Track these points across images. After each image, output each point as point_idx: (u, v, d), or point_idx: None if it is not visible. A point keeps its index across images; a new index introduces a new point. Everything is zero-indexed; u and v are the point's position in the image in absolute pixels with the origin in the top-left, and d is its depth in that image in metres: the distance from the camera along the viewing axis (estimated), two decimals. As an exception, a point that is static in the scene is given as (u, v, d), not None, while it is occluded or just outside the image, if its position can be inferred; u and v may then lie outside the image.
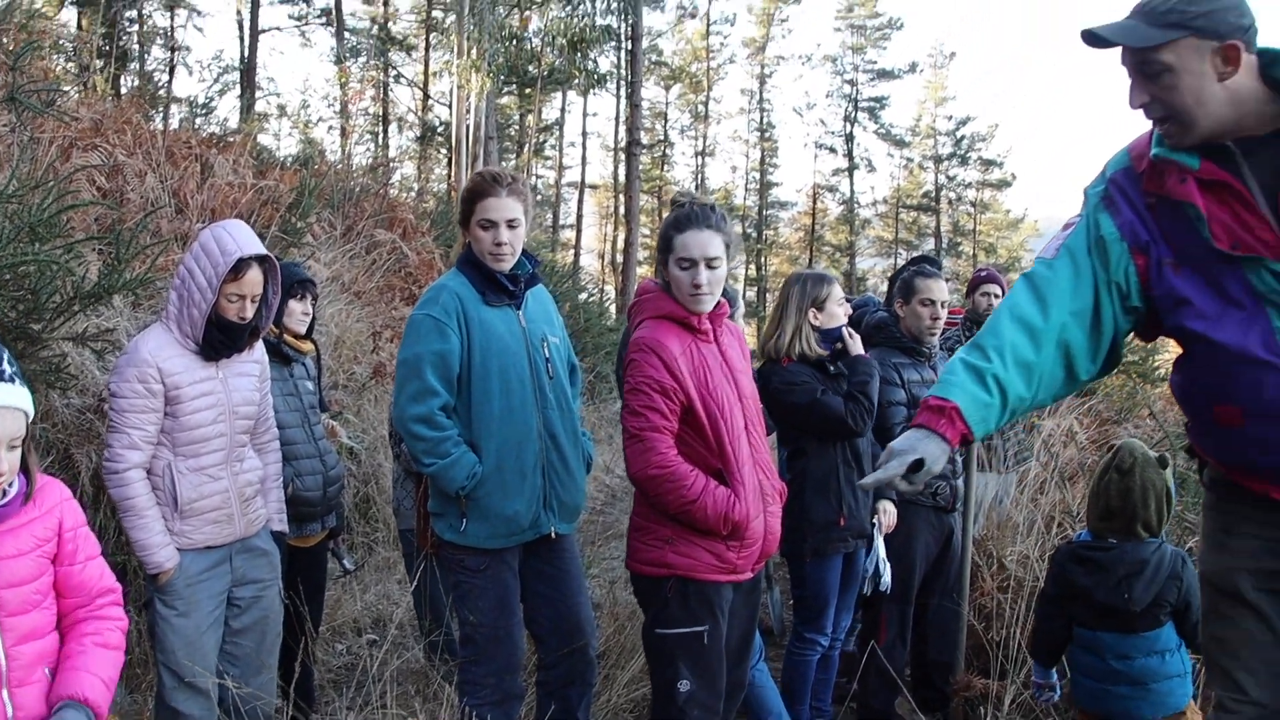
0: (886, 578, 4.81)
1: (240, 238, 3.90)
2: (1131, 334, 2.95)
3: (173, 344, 3.92)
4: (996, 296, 6.97)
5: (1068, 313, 2.84)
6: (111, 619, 2.81)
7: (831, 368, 4.78)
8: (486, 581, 4.02)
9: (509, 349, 4.02)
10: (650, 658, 3.86)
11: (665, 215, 3.88)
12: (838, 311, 4.82)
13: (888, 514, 4.84)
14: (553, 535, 4.13)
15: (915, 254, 50.68)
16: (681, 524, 3.63)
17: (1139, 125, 2.83)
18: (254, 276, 3.94)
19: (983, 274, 7.20)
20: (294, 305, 4.83)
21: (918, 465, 2.74)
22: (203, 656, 3.93)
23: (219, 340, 3.95)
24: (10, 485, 2.58)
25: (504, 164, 34.43)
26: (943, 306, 5.21)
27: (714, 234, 3.66)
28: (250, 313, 3.98)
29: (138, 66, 26.41)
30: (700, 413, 3.64)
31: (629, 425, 3.64)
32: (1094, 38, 2.62)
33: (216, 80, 29.31)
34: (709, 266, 3.65)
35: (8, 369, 2.54)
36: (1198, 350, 2.72)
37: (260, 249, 3.94)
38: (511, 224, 4.02)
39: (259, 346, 4.28)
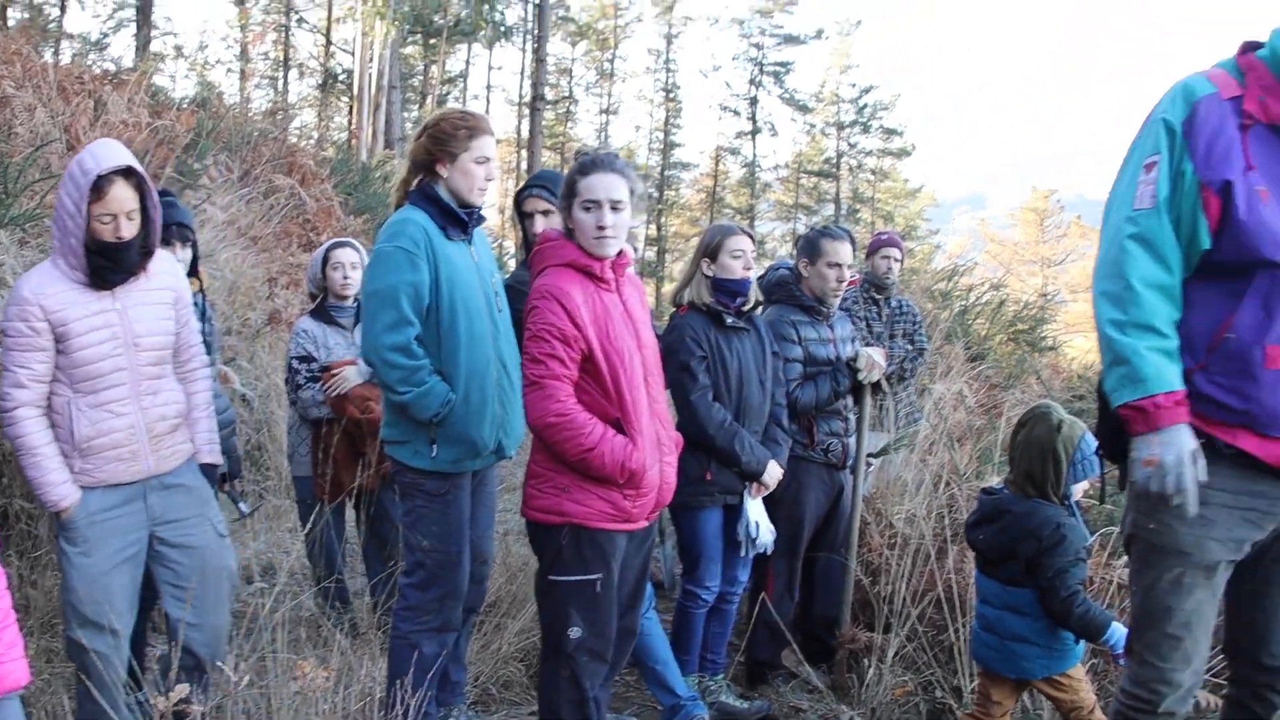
0: (760, 539, 4.85)
1: (100, 154, 3.71)
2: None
3: (59, 279, 3.77)
4: (896, 260, 7.08)
5: (1182, 256, 2.90)
6: None
7: (729, 319, 4.81)
8: (444, 505, 4.13)
9: (468, 282, 4.14)
10: (542, 604, 3.89)
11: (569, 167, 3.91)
12: (730, 263, 4.83)
13: (769, 475, 4.82)
14: (510, 457, 4.34)
15: (816, 219, 51.23)
16: (579, 472, 3.66)
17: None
18: (119, 193, 3.74)
19: (883, 237, 7.30)
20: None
21: (1196, 456, 2.84)
22: (108, 595, 3.82)
23: (104, 266, 3.78)
24: None
25: (405, 115, 33.97)
26: (847, 269, 5.28)
27: (619, 177, 3.70)
28: (128, 231, 3.78)
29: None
30: (600, 361, 3.66)
31: (529, 372, 3.65)
32: None
33: (111, 16, 28.48)
34: (613, 209, 3.68)
35: None
36: (1274, 283, 2.78)
37: (123, 162, 3.74)
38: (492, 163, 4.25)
39: (172, 270, 4.14)
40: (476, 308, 4.13)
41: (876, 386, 5.41)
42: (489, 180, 4.18)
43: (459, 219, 4.16)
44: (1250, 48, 2.93)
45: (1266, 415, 2.80)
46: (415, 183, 4.23)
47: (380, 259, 4.06)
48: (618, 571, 3.80)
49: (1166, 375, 2.83)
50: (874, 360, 5.23)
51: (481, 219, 4.33)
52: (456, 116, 4.19)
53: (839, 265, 5.23)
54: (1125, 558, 3.97)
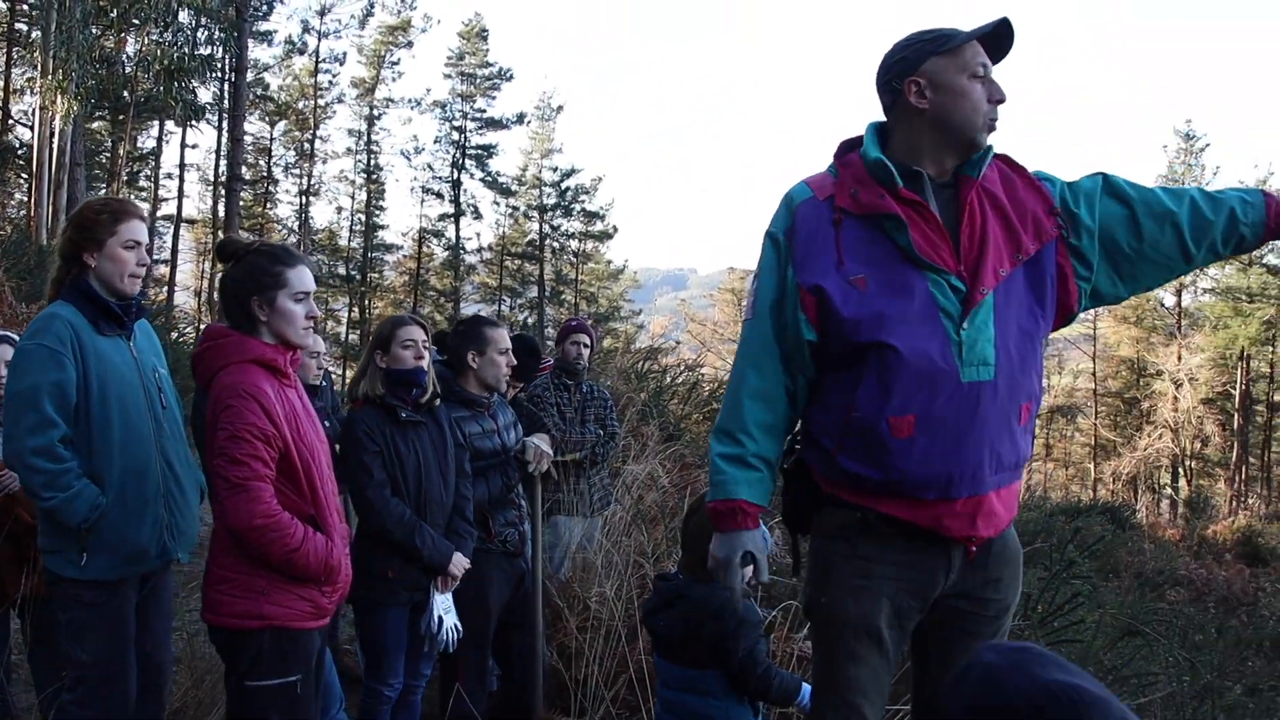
0: (441, 635, 4.77)
1: None
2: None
3: None
4: (586, 346, 7.21)
5: (781, 365, 3.08)
6: None
7: (404, 413, 4.76)
8: (104, 616, 3.89)
9: (125, 379, 3.97)
10: (238, 712, 3.70)
11: (252, 256, 3.78)
12: (401, 354, 4.81)
13: (455, 566, 4.77)
14: (179, 561, 4.10)
15: (520, 301, 51.68)
16: (278, 573, 3.55)
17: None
18: None
19: (573, 324, 7.44)
20: None
21: (749, 558, 3.06)
22: None
23: None
24: None
25: (92, 193, 32.51)
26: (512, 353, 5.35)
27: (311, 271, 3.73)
28: None
29: None
30: (295, 459, 3.58)
31: (231, 474, 3.47)
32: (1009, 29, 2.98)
33: None
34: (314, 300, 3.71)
35: None
36: (883, 361, 2.91)
37: None
38: (147, 249, 4.09)
39: None
40: (134, 405, 3.96)
41: (547, 475, 5.48)
42: (142, 266, 4.03)
43: (112, 312, 3.99)
44: (850, 146, 3.18)
45: (909, 480, 2.95)
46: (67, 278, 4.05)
47: (22, 358, 3.86)
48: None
49: (729, 484, 3.07)
50: (541, 450, 5.31)
51: (141, 311, 4.18)
52: (99, 203, 4.07)
53: (508, 351, 5.27)
54: (806, 629, 4.14)
